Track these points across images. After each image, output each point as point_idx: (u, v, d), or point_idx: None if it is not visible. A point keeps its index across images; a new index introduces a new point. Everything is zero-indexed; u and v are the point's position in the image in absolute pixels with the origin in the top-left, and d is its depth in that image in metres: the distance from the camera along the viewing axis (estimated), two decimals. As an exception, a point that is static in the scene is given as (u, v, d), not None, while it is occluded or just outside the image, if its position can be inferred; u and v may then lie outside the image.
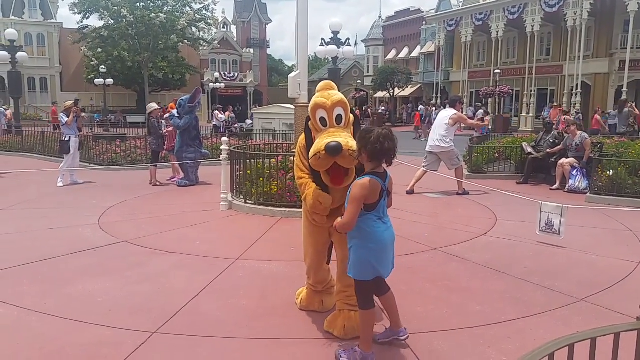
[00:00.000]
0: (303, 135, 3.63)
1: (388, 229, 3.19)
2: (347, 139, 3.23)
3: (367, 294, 3.24)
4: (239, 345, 3.53)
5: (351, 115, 3.49)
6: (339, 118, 3.36)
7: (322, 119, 3.36)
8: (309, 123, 3.50)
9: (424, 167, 9.74)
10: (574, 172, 9.65)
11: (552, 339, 2.03)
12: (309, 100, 3.53)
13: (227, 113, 24.91)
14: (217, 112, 23.88)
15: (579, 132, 10.12)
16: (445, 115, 9.68)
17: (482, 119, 12.26)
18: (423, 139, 24.61)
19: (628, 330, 2.08)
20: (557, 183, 9.97)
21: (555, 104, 27.47)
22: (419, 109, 35.11)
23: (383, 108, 42.83)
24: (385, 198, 3.16)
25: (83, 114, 12.89)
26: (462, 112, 10.01)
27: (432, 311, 4.07)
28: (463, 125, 11.46)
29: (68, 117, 10.60)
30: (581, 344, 1.98)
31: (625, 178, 8.55)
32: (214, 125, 23.09)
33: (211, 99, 43.90)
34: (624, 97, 23.82)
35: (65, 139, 10.64)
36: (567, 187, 9.69)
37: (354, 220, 3.03)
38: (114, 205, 8.24)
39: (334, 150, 3.13)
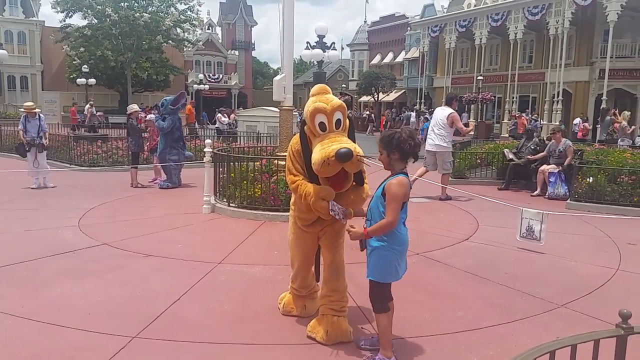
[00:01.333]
0: (295, 140, 3.58)
1: (407, 232, 3.26)
2: (354, 145, 3.24)
3: (384, 297, 3.28)
4: (221, 350, 3.50)
5: (347, 121, 3.46)
6: (338, 122, 3.33)
7: (322, 124, 3.31)
8: (305, 127, 3.45)
9: (424, 167, 9.79)
10: (552, 179, 9.77)
11: (533, 344, 2.05)
12: (294, 104, 3.52)
13: (232, 116, 24.57)
14: (220, 115, 23.62)
15: (563, 139, 10.26)
16: (442, 114, 9.59)
17: (467, 124, 12.30)
18: None
19: (607, 337, 2.10)
20: (538, 189, 10.09)
21: (517, 113, 28.05)
22: (400, 115, 35.38)
23: (367, 112, 42.96)
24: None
25: (99, 113, 12.53)
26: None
27: (414, 316, 4.08)
28: None
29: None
30: (562, 351, 2.00)
31: (604, 185, 8.68)
32: (216, 128, 22.76)
33: (195, 100, 43.63)
34: (603, 105, 24.23)
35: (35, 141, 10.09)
36: (547, 194, 9.82)
37: (397, 219, 3.07)
38: (94, 207, 8.13)
39: (345, 156, 3.12)
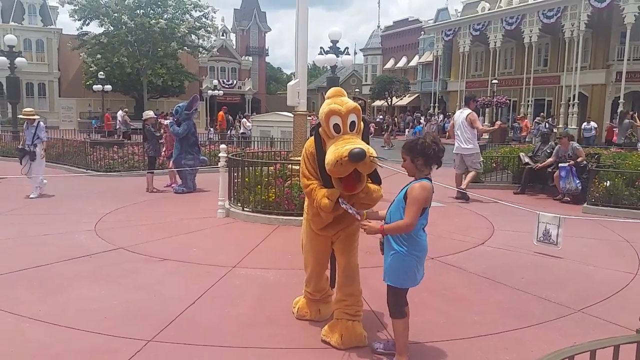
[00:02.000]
0: (310, 142, 3.60)
1: (426, 237, 3.27)
2: (367, 146, 3.26)
3: (402, 302, 3.28)
4: (235, 354, 3.50)
5: (362, 124, 3.48)
6: (352, 125, 3.36)
7: (336, 125, 3.34)
8: (319, 130, 3.48)
9: (456, 170, 9.95)
10: (563, 174, 9.62)
11: (550, 350, 2.02)
12: (308, 109, 3.58)
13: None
14: (245, 120, 23.79)
15: (570, 143, 10.12)
16: (461, 116, 9.83)
17: (493, 124, 12.20)
18: (387, 148, 25.29)
19: (627, 342, 2.07)
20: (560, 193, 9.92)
21: (521, 115, 27.80)
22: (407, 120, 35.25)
23: (381, 117, 42.90)
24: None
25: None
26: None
27: (430, 321, 4.05)
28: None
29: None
30: (580, 356, 1.97)
31: (622, 189, 8.56)
32: (241, 133, 22.89)
33: (209, 106, 43.95)
34: (620, 108, 23.94)
35: (25, 148, 9.67)
36: (560, 191, 9.70)
37: (415, 222, 3.07)
38: (110, 212, 8.20)
39: (358, 156, 3.14)
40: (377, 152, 3.33)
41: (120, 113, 29.11)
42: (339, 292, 3.68)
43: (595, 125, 24.75)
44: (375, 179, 3.52)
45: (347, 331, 3.52)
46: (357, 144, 3.23)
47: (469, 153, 9.77)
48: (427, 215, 3.20)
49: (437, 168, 3.16)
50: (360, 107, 3.46)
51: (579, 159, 9.72)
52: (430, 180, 3.13)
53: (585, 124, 24.97)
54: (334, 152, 3.23)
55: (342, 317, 3.60)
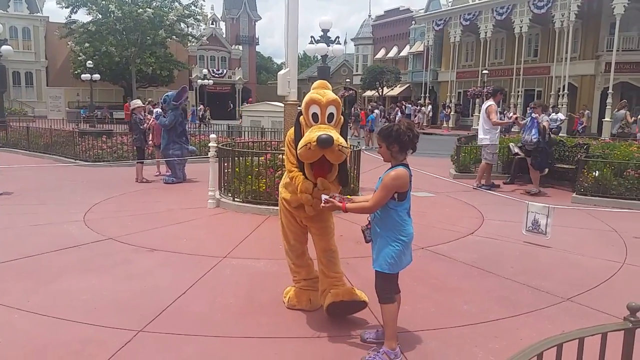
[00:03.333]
0: (292, 129, 3.71)
1: (412, 222, 3.29)
2: (337, 135, 3.37)
3: (391, 288, 3.31)
4: (226, 343, 3.50)
5: (341, 117, 3.61)
6: (330, 116, 3.49)
7: (315, 115, 3.47)
8: (300, 117, 3.60)
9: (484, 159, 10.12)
10: (528, 123, 9.76)
11: (539, 338, 2.03)
12: (299, 98, 3.65)
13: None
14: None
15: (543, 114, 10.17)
16: (484, 107, 9.98)
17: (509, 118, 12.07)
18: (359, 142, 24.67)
19: (615, 330, 2.09)
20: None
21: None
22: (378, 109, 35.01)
23: (372, 105, 42.77)
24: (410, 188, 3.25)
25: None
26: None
27: (420, 310, 4.08)
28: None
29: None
30: (569, 344, 1.99)
31: (610, 179, 8.63)
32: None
33: (199, 95, 43.62)
34: (609, 99, 24.09)
35: None
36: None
37: (379, 206, 3.15)
38: (99, 202, 8.14)
39: (325, 142, 3.25)
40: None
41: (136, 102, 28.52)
42: (322, 278, 3.82)
43: (562, 117, 24.24)
44: (343, 178, 3.65)
45: (339, 292, 3.70)
46: (329, 131, 3.34)
47: (484, 144, 9.87)
48: (409, 199, 3.24)
49: (412, 153, 3.22)
50: (340, 101, 3.57)
51: (543, 124, 9.81)
52: (407, 166, 3.18)
53: (553, 114, 24.56)
54: (305, 136, 3.39)
55: (332, 288, 3.73)
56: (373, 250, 3.30)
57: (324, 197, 3.33)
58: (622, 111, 17.45)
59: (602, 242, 6.35)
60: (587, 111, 25.86)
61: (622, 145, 10.72)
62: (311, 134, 3.34)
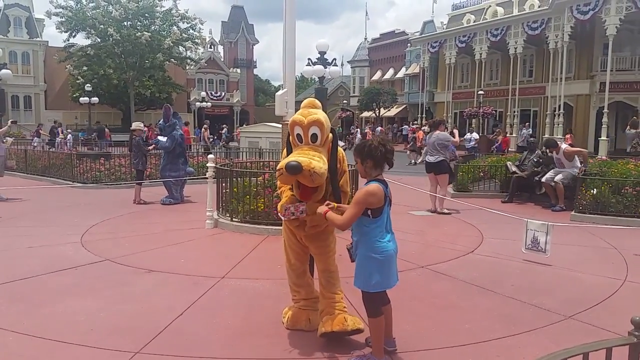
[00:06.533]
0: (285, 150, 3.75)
1: (393, 239, 3.25)
2: (311, 160, 3.30)
3: (376, 302, 3.29)
4: (224, 365, 3.44)
5: (330, 135, 3.57)
6: (313, 137, 3.47)
7: (298, 136, 3.50)
8: (289, 138, 3.61)
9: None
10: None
11: (540, 356, 2.00)
12: None
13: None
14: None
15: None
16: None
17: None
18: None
19: (620, 345, 2.06)
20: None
21: (416, 125, 27.70)
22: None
23: (369, 127, 43.04)
24: (389, 204, 3.23)
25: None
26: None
27: (421, 329, 4.03)
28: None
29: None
30: (573, 359, 1.96)
31: (608, 196, 8.64)
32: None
33: (198, 117, 43.77)
34: (605, 118, 24.23)
35: None
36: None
37: (350, 222, 3.15)
38: (97, 224, 8.10)
39: (293, 169, 3.25)
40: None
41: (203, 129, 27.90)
42: (321, 296, 3.81)
43: (477, 137, 23.77)
44: (336, 195, 3.60)
45: (343, 320, 3.63)
46: (302, 156, 3.31)
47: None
48: (388, 215, 3.23)
49: (388, 169, 3.23)
50: (323, 120, 3.49)
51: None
52: (382, 182, 3.18)
53: (468, 134, 23.30)
54: (280, 162, 3.44)
55: (334, 312, 3.68)
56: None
57: (284, 208, 3.45)
58: (633, 131, 17.47)
59: (602, 259, 6.31)
60: (525, 130, 26.11)
61: (619, 163, 10.75)
62: (285, 160, 3.38)
